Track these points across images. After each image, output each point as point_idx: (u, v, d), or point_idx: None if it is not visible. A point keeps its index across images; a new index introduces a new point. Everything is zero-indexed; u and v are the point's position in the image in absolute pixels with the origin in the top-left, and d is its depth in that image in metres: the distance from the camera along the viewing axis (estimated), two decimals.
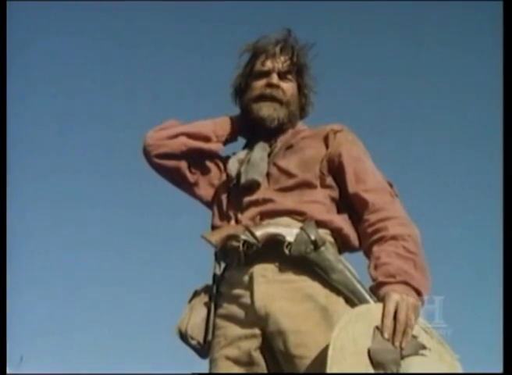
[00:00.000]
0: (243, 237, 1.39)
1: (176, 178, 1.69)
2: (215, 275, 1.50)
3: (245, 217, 1.49)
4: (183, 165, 1.66)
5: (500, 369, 1.36)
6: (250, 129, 1.69)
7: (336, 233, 1.46)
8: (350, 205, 1.51)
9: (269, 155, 1.61)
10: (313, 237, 1.37)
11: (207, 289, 1.50)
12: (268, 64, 1.68)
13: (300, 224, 1.42)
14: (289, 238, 1.38)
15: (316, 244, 1.36)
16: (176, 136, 1.65)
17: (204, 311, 1.45)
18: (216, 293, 1.47)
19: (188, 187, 1.70)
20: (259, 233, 1.39)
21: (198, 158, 1.68)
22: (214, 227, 1.59)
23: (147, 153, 1.66)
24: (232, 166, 1.61)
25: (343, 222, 1.48)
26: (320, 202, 1.49)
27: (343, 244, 1.48)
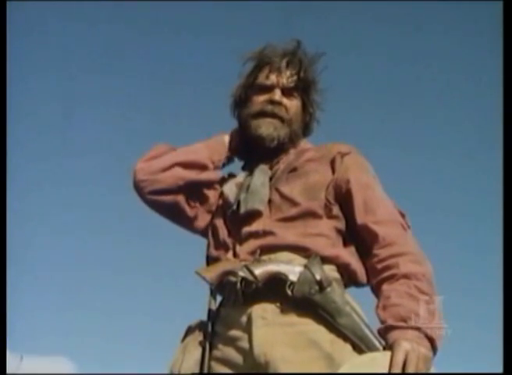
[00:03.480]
0: (241, 273, 1.27)
1: (174, 213, 1.55)
2: (210, 311, 1.37)
3: (244, 251, 1.36)
4: (180, 199, 1.53)
5: (500, 369, 1.31)
6: (249, 147, 1.56)
7: (343, 269, 1.34)
8: (358, 236, 1.39)
9: (271, 178, 1.49)
10: (318, 277, 1.25)
11: (201, 326, 1.37)
12: (272, 78, 1.55)
13: (302, 259, 1.30)
14: (292, 277, 1.26)
15: (321, 285, 1.24)
16: (169, 167, 1.51)
17: (198, 352, 1.32)
18: (211, 331, 1.35)
19: (186, 222, 1.57)
20: (258, 271, 1.26)
21: (196, 189, 1.55)
22: (209, 258, 1.47)
23: (139, 189, 1.52)
24: (230, 192, 1.49)
25: (350, 256, 1.36)
26: (325, 235, 1.36)
27: (349, 280, 1.36)
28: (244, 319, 1.29)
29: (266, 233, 1.36)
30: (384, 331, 1.22)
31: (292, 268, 1.27)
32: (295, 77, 1.54)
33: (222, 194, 1.52)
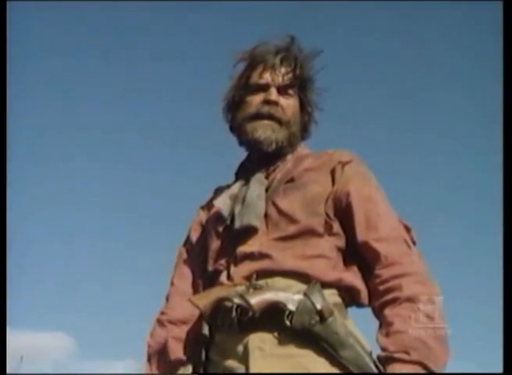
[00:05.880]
0: (236, 300, 1.19)
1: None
2: (203, 337, 1.29)
3: (239, 274, 1.27)
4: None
5: (500, 369, 1.27)
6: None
7: (345, 292, 1.27)
8: (359, 254, 1.30)
9: (267, 189, 1.39)
10: (319, 307, 1.16)
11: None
12: (267, 77, 1.44)
13: (302, 285, 1.22)
14: (291, 306, 1.17)
15: (322, 315, 1.16)
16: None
17: None
18: (205, 359, 1.28)
19: None
20: (254, 300, 1.18)
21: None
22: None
23: None
24: (224, 205, 1.39)
25: (353, 277, 1.28)
26: (325, 257, 1.27)
27: (352, 301, 1.29)
28: (241, 348, 1.21)
29: (262, 256, 1.27)
30: (384, 361, 1.15)
31: (290, 296, 1.18)
32: (290, 74, 1.45)
33: (212, 209, 1.42)
